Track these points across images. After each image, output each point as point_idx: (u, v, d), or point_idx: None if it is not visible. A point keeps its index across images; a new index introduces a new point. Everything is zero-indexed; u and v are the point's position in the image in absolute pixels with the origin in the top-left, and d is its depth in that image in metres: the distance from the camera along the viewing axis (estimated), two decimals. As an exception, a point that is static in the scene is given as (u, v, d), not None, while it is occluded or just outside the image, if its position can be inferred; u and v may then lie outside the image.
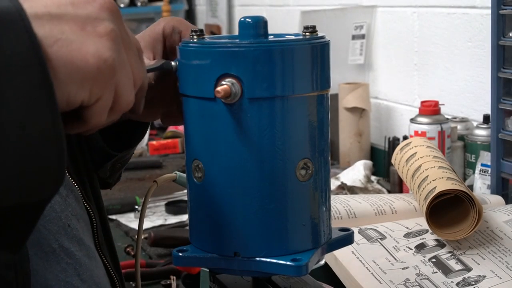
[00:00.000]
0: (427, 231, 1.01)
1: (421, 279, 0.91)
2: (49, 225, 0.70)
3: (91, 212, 0.78)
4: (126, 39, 0.53)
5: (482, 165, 1.37)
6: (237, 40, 0.61)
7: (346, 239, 0.68)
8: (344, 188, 1.66)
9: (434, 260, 0.95)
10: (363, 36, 2.02)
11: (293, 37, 0.63)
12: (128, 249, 1.42)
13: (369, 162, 1.83)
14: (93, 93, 0.50)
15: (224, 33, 3.02)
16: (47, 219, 0.70)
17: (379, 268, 0.93)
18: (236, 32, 0.63)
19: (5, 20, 0.45)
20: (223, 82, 0.58)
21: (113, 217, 1.68)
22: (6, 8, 0.45)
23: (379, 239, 0.99)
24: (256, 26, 0.61)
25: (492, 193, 1.25)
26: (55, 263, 0.69)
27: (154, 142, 2.37)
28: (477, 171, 1.39)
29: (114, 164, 0.87)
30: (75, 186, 0.76)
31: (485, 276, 0.91)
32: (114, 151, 0.84)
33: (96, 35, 0.50)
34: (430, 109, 1.58)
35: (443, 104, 1.61)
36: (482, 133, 1.51)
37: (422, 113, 1.59)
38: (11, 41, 0.45)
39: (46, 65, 0.46)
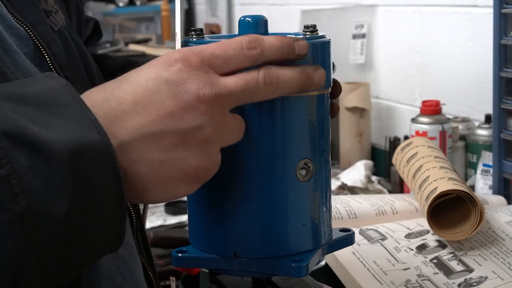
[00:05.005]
0: (428, 231, 1.00)
1: (422, 280, 0.91)
2: None
3: (132, 210, 0.77)
4: (223, 121, 0.55)
5: (484, 165, 1.37)
6: (237, 39, 0.60)
7: (347, 239, 0.67)
8: (344, 188, 1.66)
9: (435, 261, 0.94)
10: (363, 36, 2.02)
11: (293, 36, 0.62)
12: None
13: (369, 162, 1.82)
14: (196, 186, 0.56)
15: (224, 32, 3.02)
16: None
17: (380, 269, 0.93)
18: (236, 31, 0.63)
19: (95, 155, 0.49)
20: (223, 82, 0.58)
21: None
22: (97, 142, 0.50)
23: (380, 240, 0.99)
24: (256, 25, 0.61)
25: (494, 193, 1.25)
26: (103, 259, 0.69)
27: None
28: (478, 171, 1.38)
29: None
30: None
31: (487, 277, 0.91)
32: None
33: (196, 145, 0.53)
34: (431, 109, 1.57)
35: (444, 104, 1.60)
36: (483, 133, 1.50)
37: (423, 112, 1.59)
38: (98, 175, 0.50)
39: (123, 197, 0.51)
